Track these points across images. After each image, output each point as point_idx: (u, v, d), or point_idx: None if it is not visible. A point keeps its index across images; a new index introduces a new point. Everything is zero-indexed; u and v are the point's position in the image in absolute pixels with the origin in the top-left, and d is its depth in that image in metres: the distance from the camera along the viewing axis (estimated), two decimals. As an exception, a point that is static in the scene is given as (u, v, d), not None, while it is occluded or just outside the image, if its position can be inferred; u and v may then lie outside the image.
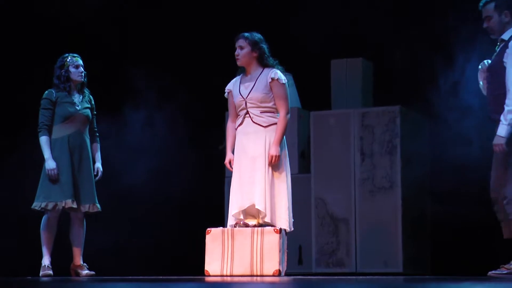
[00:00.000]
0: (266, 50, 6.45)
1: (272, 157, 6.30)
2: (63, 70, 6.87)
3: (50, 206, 6.69)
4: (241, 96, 6.43)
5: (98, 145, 7.05)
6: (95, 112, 7.03)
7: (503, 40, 6.00)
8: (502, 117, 5.85)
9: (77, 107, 6.84)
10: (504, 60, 5.90)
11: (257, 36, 6.45)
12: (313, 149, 8.44)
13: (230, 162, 6.48)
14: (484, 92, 6.21)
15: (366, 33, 8.40)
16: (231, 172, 6.51)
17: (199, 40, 8.78)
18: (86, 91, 6.97)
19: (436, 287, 3.06)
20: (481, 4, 6.06)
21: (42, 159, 6.77)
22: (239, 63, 6.45)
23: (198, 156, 8.86)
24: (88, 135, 6.93)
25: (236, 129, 6.48)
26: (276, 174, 6.33)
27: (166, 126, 8.66)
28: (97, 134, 7.06)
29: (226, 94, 6.59)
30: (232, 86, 6.54)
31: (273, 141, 6.32)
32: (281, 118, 6.37)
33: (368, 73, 8.71)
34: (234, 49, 6.46)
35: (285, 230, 6.28)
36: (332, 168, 8.30)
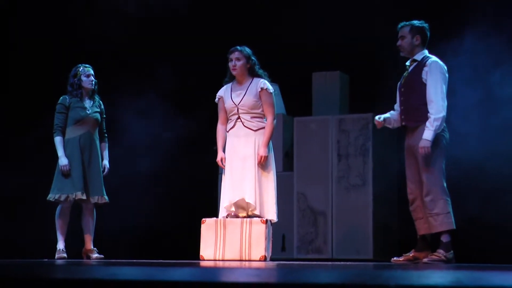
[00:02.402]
0: (257, 62, 6.52)
1: (261, 157, 6.34)
2: (75, 79, 6.93)
3: (62, 197, 6.75)
4: (233, 103, 6.46)
5: (106, 145, 7.10)
6: (104, 116, 7.08)
7: (415, 60, 6.23)
8: (428, 124, 6.03)
9: (87, 111, 6.89)
10: (423, 77, 6.11)
11: (249, 49, 6.51)
12: (296, 150, 8.48)
13: (221, 160, 6.51)
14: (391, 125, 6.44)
15: (343, 49, 8.45)
16: (223, 169, 6.57)
17: (199, 45, 8.76)
18: (97, 97, 7.03)
19: (401, 273, 3.13)
20: (399, 26, 6.30)
21: (56, 157, 6.83)
22: (235, 73, 6.47)
23: (195, 155, 8.87)
24: (97, 136, 6.99)
25: (228, 131, 6.52)
26: (264, 172, 6.38)
27: (170, 129, 8.69)
28: (106, 135, 7.11)
29: (216, 99, 6.60)
30: (223, 93, 6.56)
31: (262, 143, 6.36)
32: (268, 123, 6.42)
33: (345, 84, 8.75)
34: (227, 61, 6.48)
35: (271, 221, 6.34)
36: (312, 167, 8.35)
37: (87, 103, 6.92)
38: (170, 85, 8.59)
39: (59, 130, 6.84)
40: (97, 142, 6.96)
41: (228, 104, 6.48)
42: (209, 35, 8.64)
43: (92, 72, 6.97)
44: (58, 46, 8.69)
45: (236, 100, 6.45)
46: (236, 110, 6.44)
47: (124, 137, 8.27)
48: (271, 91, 6.45)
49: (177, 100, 8.70)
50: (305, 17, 8.49)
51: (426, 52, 6.25)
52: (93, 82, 6.96)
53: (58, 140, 6.82)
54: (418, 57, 6.22)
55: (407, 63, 6.30)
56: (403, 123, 6.29)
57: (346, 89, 8.77)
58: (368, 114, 8.20)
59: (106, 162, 7.01)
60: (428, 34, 6.25)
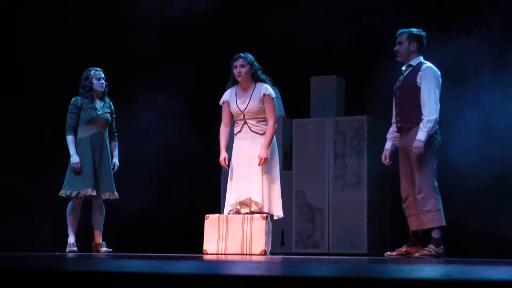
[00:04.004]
0: (259, 67, 6.50)
1: (261, 159, 6.32)
2: (87, 82, 6.92)
3: (74, 193, 6.74)
4: (239, 109, 6.43)
5: (116, 144, 7.09)
6: (114, 116, 7.07)
7: (411, 65, 6.23)
8: (421, 125, 6.03)
9: (98, 112, 6.88)
10: (418, 81, 6.12)
11: (251, 56, 6.49)
12: (295, 150, 8.48)
13: (224, 160, 6.48)
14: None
15: (340, 54, 8.46)
16: (226, 169, 6.54)
17: (200, 51, 8.75)
18: (107, 99, 7.02)
19: (394, 267, 3.12)
20: (398, 32, 6.30)
21: (68, 155, 6.83)
22: (240, 79, 6.44)
23: (198, 154, 8.87)
24: (107, 135, 6.98)
25: (235, 135, 6.49)
26: (270, 172, 6.37)
27: (175, 131, 8.68)
28: (116, 134, 7.10)
29: (221, 102, 6.57)
30: (228, 97, 6.52)
31: (263, 146, 6.35)
32: (270, 126, 6.39)
33: (341, 88, 8.75)
34: (230, 67, 6.46)
35: (271, 217, 6.33)
36: (310, 166, 8.35)
37: (98, 104, 6.92)
38: (174, 84, 8.57)
39: (71, 129, 6.83)
40: (107, 141, 6.96)
41: (234, 109, 6.46)
42: (208, 39, 8.62)
43: (103, 75, 6.97)
44: (72, 47, 8.68)
45: (242, 106, 6.43)
46: (242, 116, 6.43)
47: (129, 135, 8.25)
48: (273, 96, 6.42)
49: (183, 99, 8.68)
50: (305, 24, 8.50)
51: (421, 58, 6.25)
52: (104, 85, 6.96)
53: (70, 139, 6.81)
54: (414, 62, 6.22)
55: (403, 68, 6.30)
56: (398, 125, 6.28)
57: (343, 93, 8.76)
58: (363, 116, 8.21)
59: (115, 160, 7.01)
60: (425, 42, 6.26)
